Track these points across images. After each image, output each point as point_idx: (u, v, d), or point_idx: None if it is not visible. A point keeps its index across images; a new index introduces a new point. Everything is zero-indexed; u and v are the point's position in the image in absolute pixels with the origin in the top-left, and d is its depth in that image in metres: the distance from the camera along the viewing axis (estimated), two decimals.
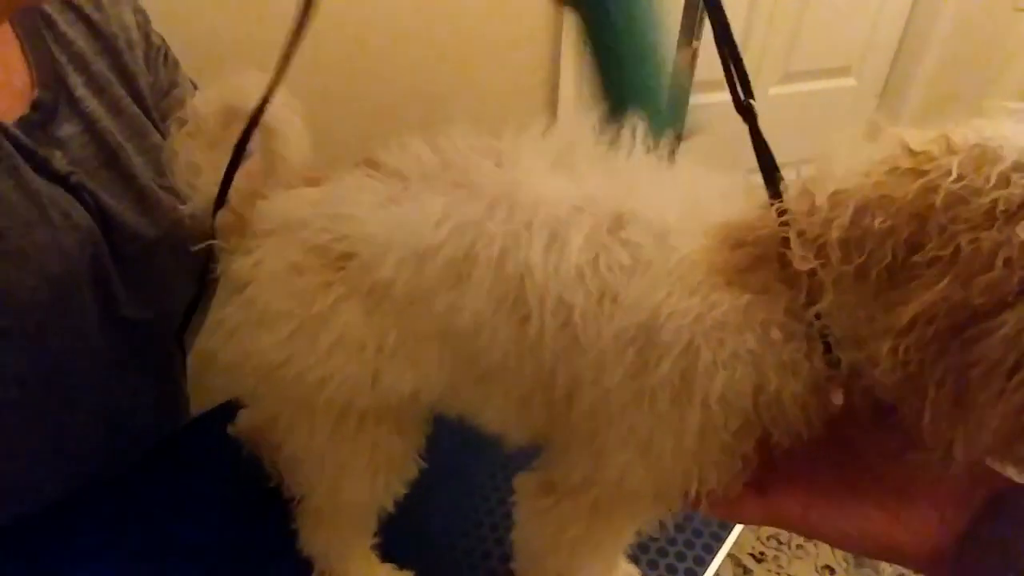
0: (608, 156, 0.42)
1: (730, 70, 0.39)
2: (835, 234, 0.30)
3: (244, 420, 0.67)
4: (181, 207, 0.49)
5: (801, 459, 0.36)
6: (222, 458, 0.67)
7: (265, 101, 0.42)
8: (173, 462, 0.68)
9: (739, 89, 0.39)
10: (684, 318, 0.34)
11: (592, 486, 0.42)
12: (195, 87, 0.64)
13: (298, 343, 0.43)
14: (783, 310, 0.33)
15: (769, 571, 1.38)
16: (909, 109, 1.71)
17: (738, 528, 0.66)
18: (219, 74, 0.45)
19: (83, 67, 0.52)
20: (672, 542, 0.65)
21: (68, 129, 0.51)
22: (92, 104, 0.52)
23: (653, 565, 0.62)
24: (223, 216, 0.47)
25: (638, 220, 0.38)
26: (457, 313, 0.40)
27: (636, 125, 0.42)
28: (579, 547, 0.47)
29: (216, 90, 0.46)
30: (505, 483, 0.67)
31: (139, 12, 0.59)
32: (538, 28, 1.09)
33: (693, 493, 0.37)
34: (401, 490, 0.55)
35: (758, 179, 0.37)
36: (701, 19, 0.88)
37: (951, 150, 0.28)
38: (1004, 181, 0.26)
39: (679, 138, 0.59)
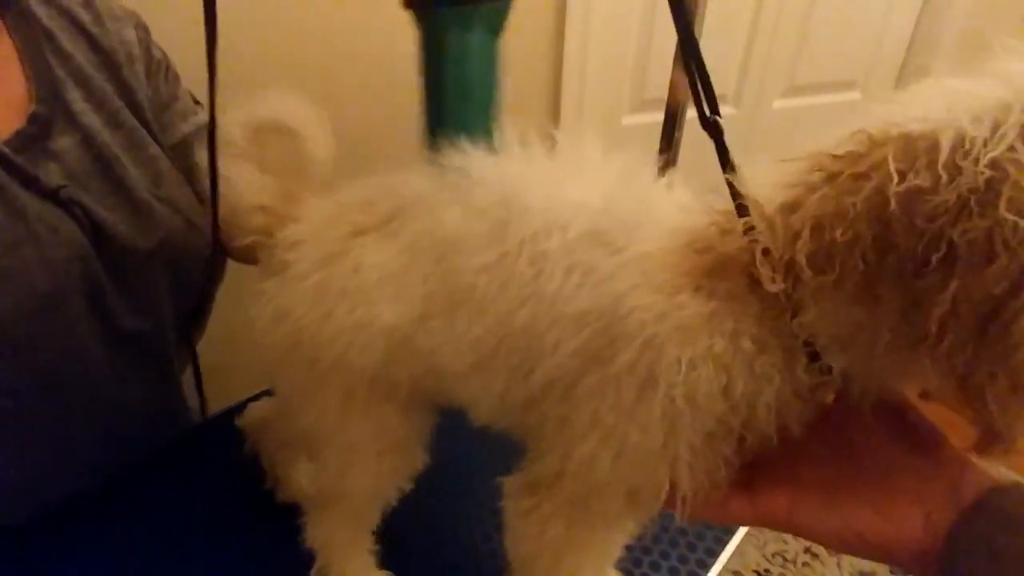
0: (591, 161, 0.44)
1: (696, 85, 0.39)
2: (802, 253, 0.31)
3: (251, 413, 0.70)
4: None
5: (787, 459, 0.37)
6: (231, 459, 0.69)
7: (213, 120, 0.47)
8: (182, 463, 0.70)
9: (705, 106, 0.39)
10: (647, 313, 0.35)
11: (564, 479, 0.43)
12: (196, 102, 0.66)
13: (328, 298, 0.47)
14: (753, 321, 0.34)
15: None
16: None
17: (733, 543, 0.66)
18: (225, 91, 0.48)
19: (82, 81, 0.54)
20: (665, 556, 0.64)
21: (64, 142, 0.52)
22: (90, 117, 0.54)
23: None
24: (255, 216, 0.51)
25: (613, 217, 0.40)
26: (445, 221, 0.43)
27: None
28: (563, 549, 0.48)
29: (246, 109, 0.50)
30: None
31: (140, 27, 0.60)
32: (539, 40, 1.11)
33: (665, 494, 0.38)
34: (406, 482, 0.57)
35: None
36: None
37: (874, 141, 0.29)
38: (956, 169, 0.26)
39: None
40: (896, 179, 0.27)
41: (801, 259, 0.31)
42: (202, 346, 0.74)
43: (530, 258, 0.40)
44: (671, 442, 0.36)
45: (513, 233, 0.41)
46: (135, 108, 0.58)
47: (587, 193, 0.42)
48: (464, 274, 0.43)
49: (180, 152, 0.63)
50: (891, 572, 1.31)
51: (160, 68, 0.62)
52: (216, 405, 0.77)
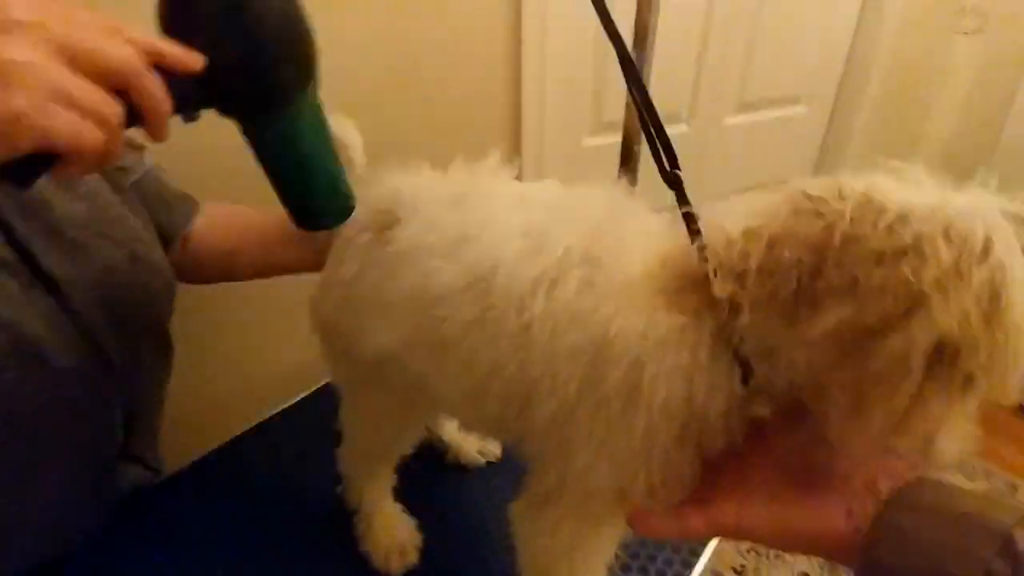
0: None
1: (655, 143, 0.44)
2: (753, 263, 0.35)
3: None
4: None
5: (734, 470, 0.40)
6: (194, 519, 0.72)
7: None
8: (145, 522, 0.71)
9: (665, 161, 0.44)
10: (631, 334, 0.39)
11: (565, 487, 0.47)
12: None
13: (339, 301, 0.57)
14: (710, 334, 0.38)
15: None
16: (856, 132, 1.80)
17: (712, 543, 0.69)
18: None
19: None
20: (652, 559, 0.68)
21: None
22: None
23: None
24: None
25: (605, 245, 0.43)
26: (434, 277, 0.47)
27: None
28: (574, 551, 0.52)
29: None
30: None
31: None
32: (497, 67, 1.14)
33: (645, 487, 0.42)
34: (407, 448, 0.68)
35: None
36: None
37: (842, 196, 0.34)
38: (889, 230, 0.32)
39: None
40: (848, 221, 0.33)
41: (751, 268, 0.35)
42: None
43: (517, 311, 0.44)
44: (649, 445, 0.40)
45: (498, 290, 0.44)
46: None
47: (567, 231, 0.45)
48: (450, 325, 0.47)
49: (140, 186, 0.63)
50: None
51: None
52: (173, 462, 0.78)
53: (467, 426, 0.56)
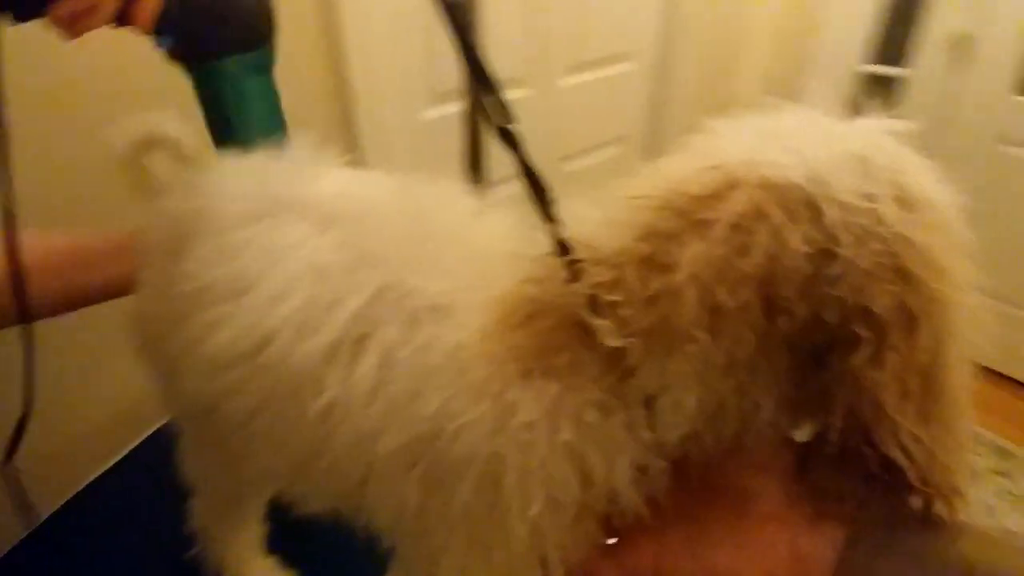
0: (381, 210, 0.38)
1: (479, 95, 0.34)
2: (681, 323, 0.27)
3: None
4: None
5: (646, 513, 0.33)
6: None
7: None
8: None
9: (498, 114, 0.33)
10: (475, 432, 0.29)
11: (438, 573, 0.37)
12: None
13: (144, 311, 0.48)
14: (594, 385, 0.29)
15: None
16: (682, 83, 1.89)
17: None
18: None
19: None
20: None
21: None
22: None
23: None
24: None
25: (415, 293, 0.33)
26: (214, 332, 0.35)
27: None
28: None
29: (132, 123, 0.49)
30: None
31: None
32: (316, 45, 1.03)
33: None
34: (271, 488, 0.57)
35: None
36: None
37: (730, 184, 0.26)
38: (859, 231, 0.25)
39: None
40: (799, 234, 0.25)
41: (680, 323, 0.26)
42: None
43: (312, 393, 0.33)
44: (540, 541, 0.32)
45: (275, 365, 0.34)
46: None
47: (367, 269, 0.34)
48: (237, 401, 0.37)
49: None
50: None
51: None
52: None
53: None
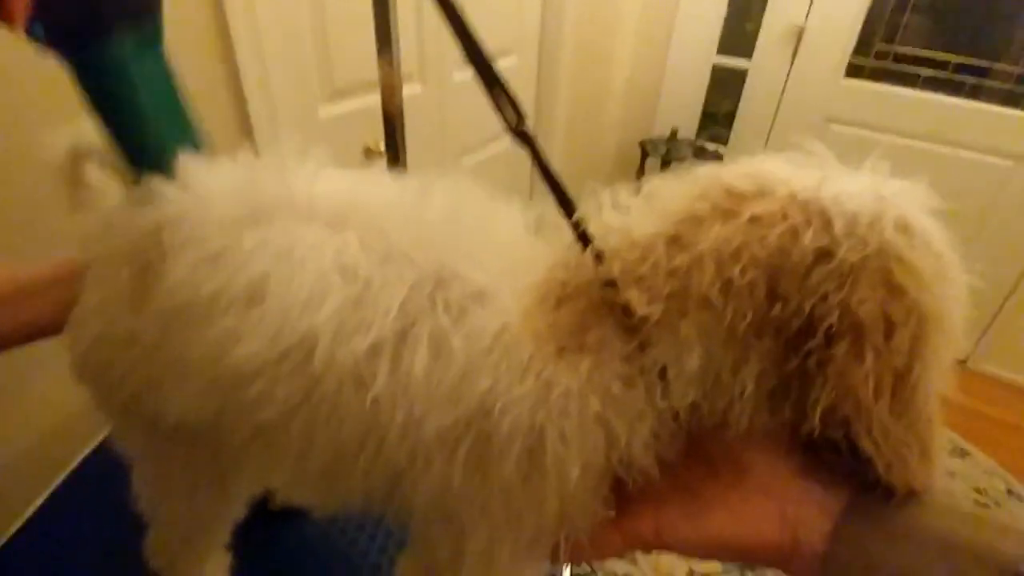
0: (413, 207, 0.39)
1: (499, 99, 0.38)
2: (697, 289, 0.30)
3: None
4: None
5: (648, 483, 0.35)
6: None
7: None
8: None
9: (513, 115, 0.38)
10: (521, 406, 0.32)
11: (463, 561, 0.40)
12: None
13: (102, 337, 0.42)
14: (619, 360, 0.32)
15: None
16: (562, 76, 1.97)
17: None
18: None
19: None
20: None
21: None
22: None
23: None
24: None
25: (455, 283, 0.34)
26: (234, 344, 0.35)
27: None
28: None
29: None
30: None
31: None
32: (204, 44, 0.97)
33: (562, 543, 0.36)
34: (238, 511, 0.55)
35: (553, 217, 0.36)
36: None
37: (762, 191, 0.30)
38: (854, 237, 0.28)
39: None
40: (810, 235, 0.28)
41: (695, 294, 0.30)
42: None
43: (356, 386, 0.34)
44: (566, 507, 0.35)
45: (321, 363, 0.34)
46: None
47: (401, 269, 0.35)
48: (268, 409, 0.35)
49: None
50: None
51: None
52: None
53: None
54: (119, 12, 0.41)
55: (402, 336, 0.34)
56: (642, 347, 0.32)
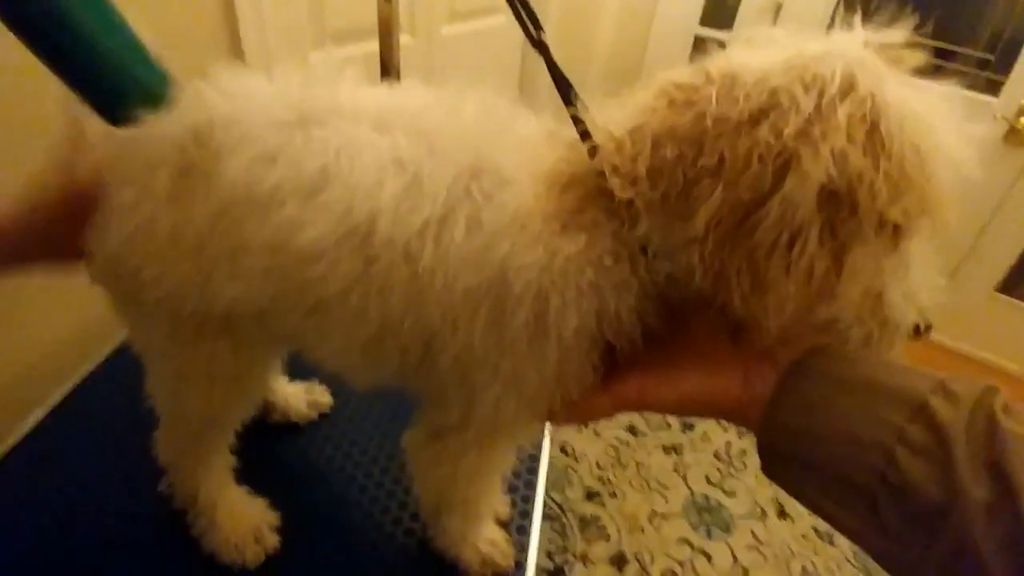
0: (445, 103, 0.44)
1: (519, 10, 0.42)
2: (642, 167, 0.35)
3: None
4: None
5: (633, 351, 0.41)
6: None
7: None
8: None
9: (531, 27, 0.42)
10: (531, 270, 0.37)
11: (471, 421, 0.46)
12: None
13: (137, 236, 0.44)
14: (610, 237, 0.38)
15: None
16: (549, 29, 1.98)
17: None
18: None
19: None
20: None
21: None
22: None
23: None
24: None
25: (485, 174, 0.40)
26: (297, 230, 0.40)
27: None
28: (475, 475, 0.52)
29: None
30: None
31: None
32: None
33: (558, 405, 0.42)
34: (249, 409, 0.58)
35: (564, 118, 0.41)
36: None
37: (710, 80, 0.34)
38: (747, 97, 0.31)
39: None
40: (715, 102, 0.32)
41: (641, 172, 0.35)
42: None
43: (405, 260, 0.39)
44: (563, 369, 0.40)
45: (380, 240, 0.39)
46: None
47: (444, 163, 0.40)
48: (328, 284, 0.41)
49: None
50: None
51: None
52: None
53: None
54: None
55: (443, 218, 0.39)
56: (628, 227, 0.37)
